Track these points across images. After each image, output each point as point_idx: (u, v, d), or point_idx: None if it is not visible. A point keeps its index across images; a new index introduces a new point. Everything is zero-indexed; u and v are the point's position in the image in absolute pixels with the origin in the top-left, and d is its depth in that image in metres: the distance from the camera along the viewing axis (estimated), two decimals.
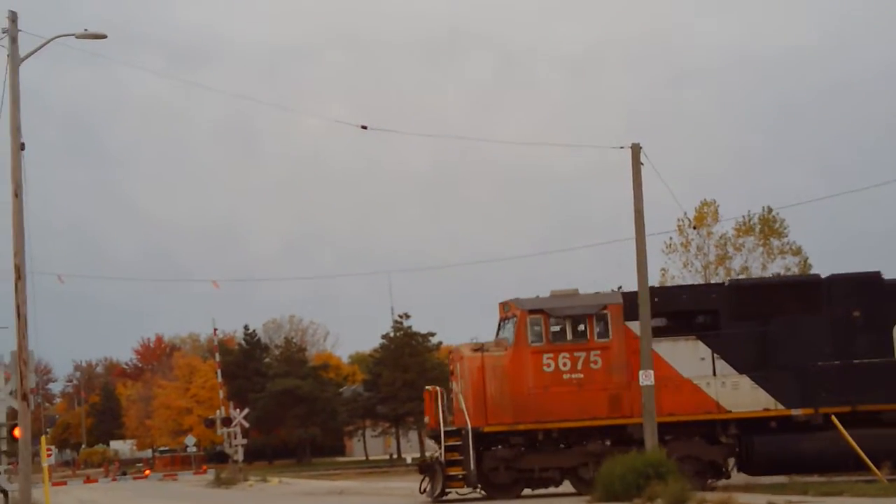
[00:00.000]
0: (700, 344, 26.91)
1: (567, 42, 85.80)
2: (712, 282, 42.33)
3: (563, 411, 26.81)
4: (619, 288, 27.98)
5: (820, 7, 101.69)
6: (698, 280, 49.67)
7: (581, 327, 27.29)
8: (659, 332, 26.53)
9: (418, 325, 68.79)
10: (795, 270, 50.14)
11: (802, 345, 26.39)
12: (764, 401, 26.42)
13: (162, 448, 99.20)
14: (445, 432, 27.29)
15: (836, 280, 27.30)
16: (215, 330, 65.88)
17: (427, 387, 28.78)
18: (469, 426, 26.93)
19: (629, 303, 26.95)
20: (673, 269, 51.33)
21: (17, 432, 23.26)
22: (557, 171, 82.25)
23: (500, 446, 27.20)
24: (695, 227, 49.81)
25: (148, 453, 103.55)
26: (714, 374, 26.66)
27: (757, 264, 51.10)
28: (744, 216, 51.73)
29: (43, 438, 23.48)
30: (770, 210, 51.58)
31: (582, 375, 26.96)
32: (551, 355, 26.98)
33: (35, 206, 23.21)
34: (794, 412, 26.25)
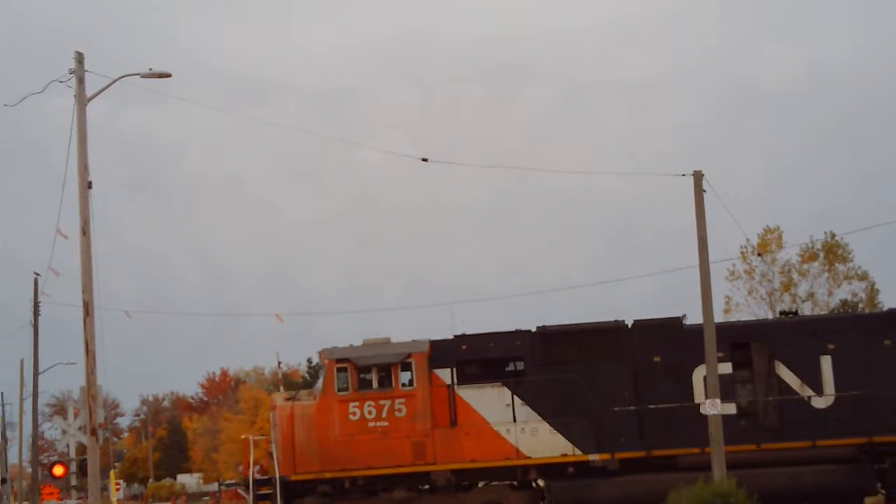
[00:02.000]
0: (505, 390, 27.31)
1: (628, 69, 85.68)
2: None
3: (368, 459, 27.23)
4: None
5: (889, 30, 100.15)
6: (764, 308, 49.28)
7: (386, 376, 27.60)
8: (469, 379, 27.23)
9: None
10: (862, 296, 49.48)
11: (603, 390, 26.78)
12: (562, 446, 26.79)
13: (228, 481, 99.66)
14: (258, 481, 28.13)
15: (638, 326, 27.58)
16: (279, 363, 66.38)
17: (242, 436, 29.41)
18: (277, 475, 27.53)
19: (436, 351, 27.47)
20: (737, 296, 50.86)
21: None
22: (617, 198, 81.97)
23: (308, 496, 27.59)
24: (759, 255, 49.36)
25: (214, 486, 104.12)
26: (514, 420, 27.05)
27: (823, 290, 50.54)
28: (807, 243, 51.17)
29: (111, 473, 23.67)
30: (833, 236, 51.01)
31: (387, 423, 27.37)
32: (357, 404, 27.41)
33: (102, 243, 23.53)
34: (591, 457, 26.61)
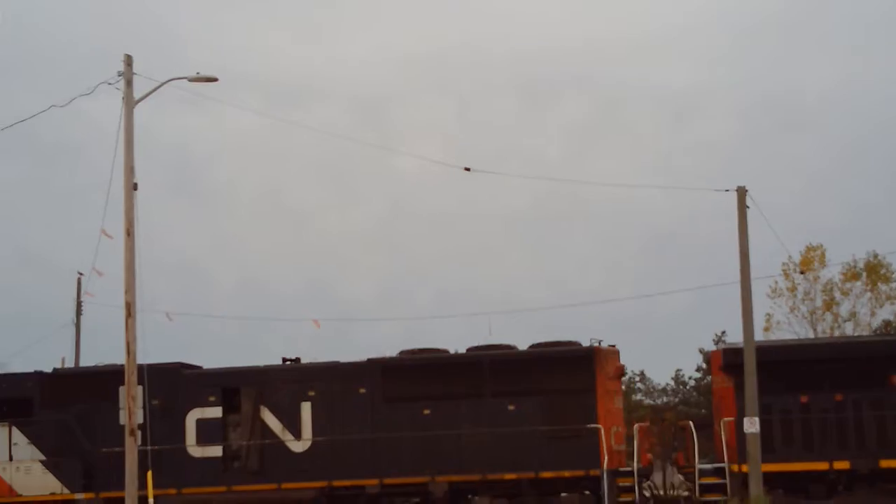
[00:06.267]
0: (12, 430, 28.02)
1: (668, 83, 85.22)
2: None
3: None
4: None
5: None
6: (805, 327, 48.83)
7: None
8: None
9: None
10: None
11: (99, 432, 27.50)
12: (52, 485, 27.60)
13: None
14: None
15: (140, 370, 28.30)
16: None
17: None
18: None
19: None
20: (779, 313, 50.31)
21: None
22: (656, 213, 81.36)
23: None
24: (802, 272, 48.82)
25: None
26: (10, 459, 27.88)
27: (865, 310, 50.01)
28: (849, 262, 50.60)
29: (149, 474, 23.60)
30: (876, 255, 50.46)
31: None
32: None
33: (144, 244, 23.50)
34: (78, 496, 27.48)
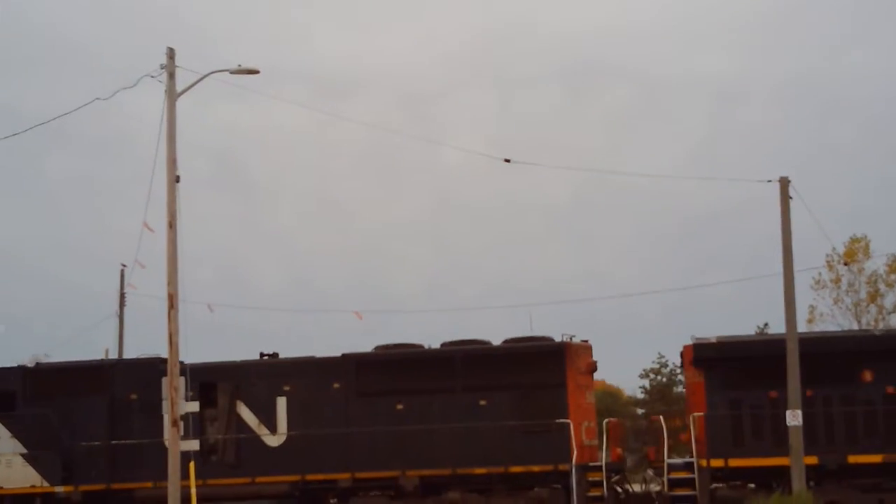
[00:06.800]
0: None
1: (709, 73, 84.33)
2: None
3: None
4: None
5: None
6: (849, 319, 48.10)
7: None
8: None
9: None
10: None
11: (78, 426, 27.91)
12: (32, 478, 28.05)
13: None
14: None
15: (119, 364, 29.38)
16: None
17: None
18: None
19: None
20: (822, 305, 49.43)
21: None
22: (697, 204, 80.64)
23: None
24: (846, 264, 48.08)
25: None
26: None
27: None
28: (894, 254, 49.58)
29: (191, 464, 23.94)
30: None
31: None
32: None
33: (186, 237, 23.82)
34: (58, 490, 27.89)
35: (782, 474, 26.00)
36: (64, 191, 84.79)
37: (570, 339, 27.44)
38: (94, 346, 53.87)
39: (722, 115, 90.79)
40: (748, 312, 63.97)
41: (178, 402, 23.38)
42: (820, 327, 46.74)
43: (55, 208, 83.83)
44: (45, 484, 28.08)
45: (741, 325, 64.57)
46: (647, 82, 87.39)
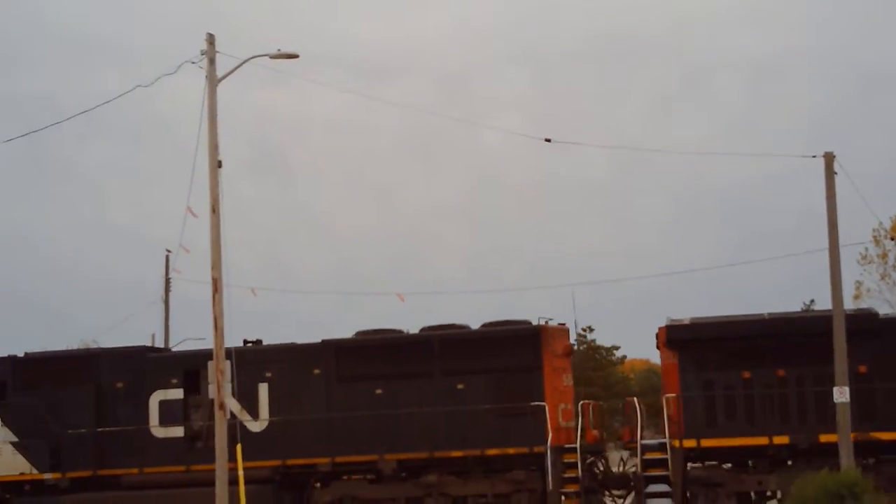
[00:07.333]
0: None
1: (748, 49, 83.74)
2: None
3: None
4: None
5: None
6: None
7: None
8: None
9: (601, 338, 67.12)
10: None
11: (67, 414, 28.46)
12: (22, 466, 28.72)
13: None
14: None
15: (105, 354, 29.61)
16: None
17: None
18: None
19: None
20: (869, 281, 48.83)
21: None
22: (738, 180, 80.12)
23: None
24: (892, 238, 47.45)
25: None
26: None
27: None
28: None
29: (238, 447, 24.26)
30: None
31: None
32: None
33: (228, 221, 24.04)
34: (46, 476, 28.46)
35: (755, 454, 26.25)
36: (109, 176, 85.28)
37: (547, 322, 27.69)
38: (140, 331, 54.62)
39: (762, 90, 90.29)
40: (794, 289, 63.55)
41: (225, 385, 23.38)
42: (867, 303, 45.82)
43: (101, 194, 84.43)
44: (34, 471, 28.65)
45: (787, 302, 64.50)
46: (684, 60, 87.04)
